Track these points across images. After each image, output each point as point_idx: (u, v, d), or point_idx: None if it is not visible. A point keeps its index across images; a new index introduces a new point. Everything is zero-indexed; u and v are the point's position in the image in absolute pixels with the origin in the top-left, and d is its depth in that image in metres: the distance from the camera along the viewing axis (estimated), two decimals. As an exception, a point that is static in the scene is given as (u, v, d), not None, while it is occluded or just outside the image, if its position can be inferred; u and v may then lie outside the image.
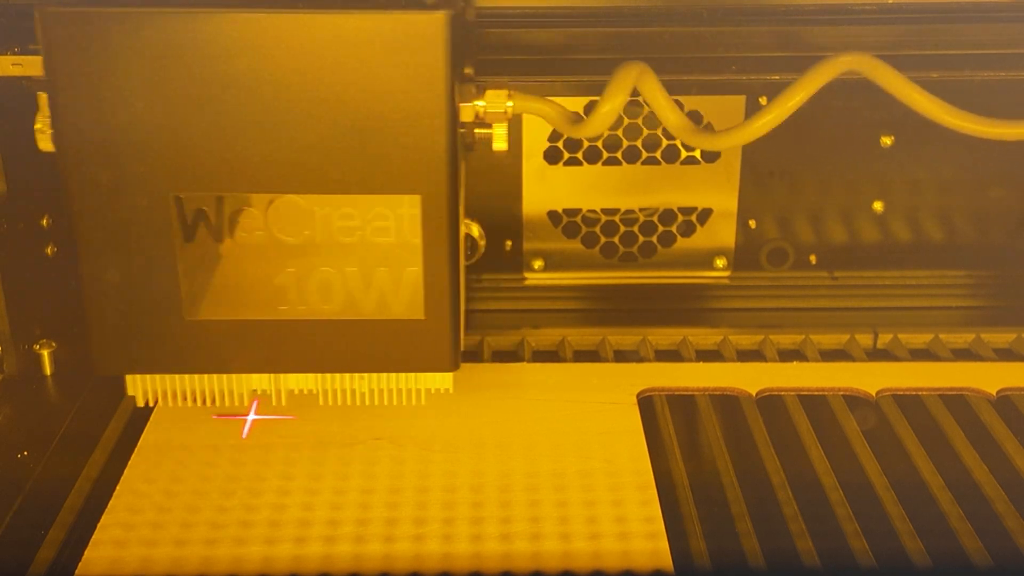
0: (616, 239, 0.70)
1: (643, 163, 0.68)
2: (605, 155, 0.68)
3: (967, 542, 0.48)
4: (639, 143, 0.68)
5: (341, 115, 0.48)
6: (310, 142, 0.48)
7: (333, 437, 0.54)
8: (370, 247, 0.50)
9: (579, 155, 0.68)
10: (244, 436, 0.54)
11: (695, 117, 0.66)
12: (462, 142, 0.51)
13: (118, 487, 0.51)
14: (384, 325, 0.52)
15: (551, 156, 0.68)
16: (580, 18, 0.60)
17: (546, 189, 0.69)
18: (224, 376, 0.54)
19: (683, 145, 0.68)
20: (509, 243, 0.70)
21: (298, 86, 0.47)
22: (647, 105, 0.54)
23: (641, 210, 0.70)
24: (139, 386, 0.54)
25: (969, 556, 0.47)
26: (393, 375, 0.54)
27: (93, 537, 0.48)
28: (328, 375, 0.54)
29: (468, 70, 0.51)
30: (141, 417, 0.56)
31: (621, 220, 0.70)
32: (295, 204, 0.49)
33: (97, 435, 0.55)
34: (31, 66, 0.48)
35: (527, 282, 0.71)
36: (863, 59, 0.53)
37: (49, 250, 0.62)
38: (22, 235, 0.60)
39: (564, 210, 0.70)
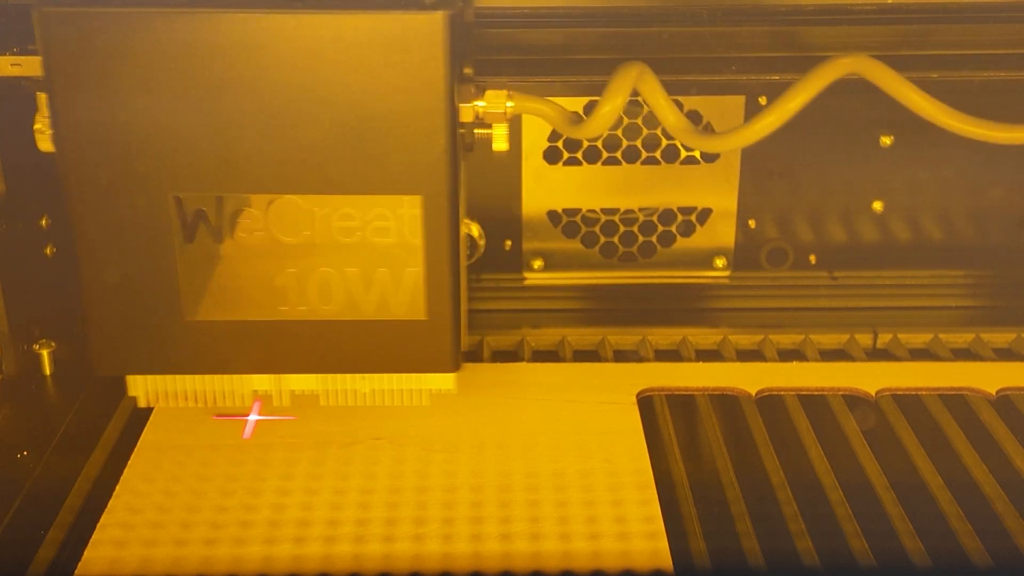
0: (616, 239, 0.70)
1: (643, 163, 0.68)
2: (605, 155, 0.68)
3: (967, 542, 0.48)
4: (639, 143, 0.68)
5: (341, 115, 0.48)
6: (310, 142, 0.48)
7: (333, 437, 0.54)
8: (370, 247, 0.50)
9: (579, 155, 0.68)
10: (246, 436, 0.54)
11: (695, 117, 0.66)
12: (462, 142, 0.51)
13: (117, 487, 0.51)
14: (385, 325, 0.52)
15: (551, 156, 0.68)
16: (579, 18, 0.60)
17: (546, 189, 0.69)
18: (225, 377, 0.54)
19: (683, 145, 0.68)
20: (509, 243, 0.70)
21: (298, 86, 0.47)
22: (647, 106, 0.54)
23: (641, 210, 0.70)
24: (140, 386, 0.54)
25: (969, 556, 0.47)
26: (395, 375, 0.54)
27: (93, 537, 0.48)
28: (330, 375, 0.54)
29: (468, 70, 0.51)
30: (141, 417, 0.56)
31: (621, 220, 0.70)
32: (295, 204, 0.49)
33: (97, 435, 0.55)
34: (30, 66, 0.48)
35: (527, 282, 0.71)
36: (864, 61, 0.53)
37: (48, 250, 0.62)
38: (21, 235, 0.60)
39: (564, 210, 0.70)
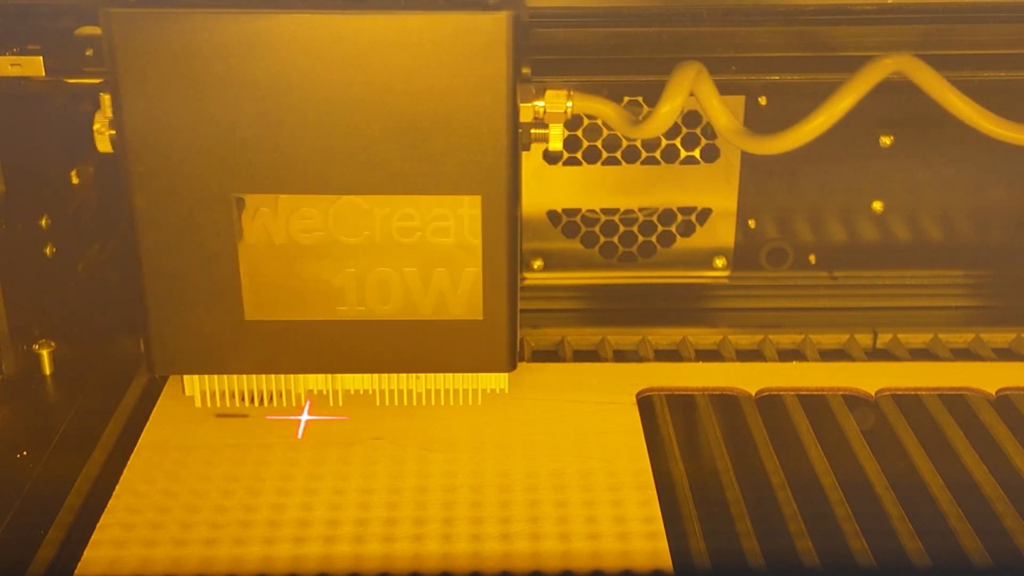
0: (615, 239, 0.70)
1: (642, 163, 0.68)
2: (604, 155, 0.68)
3: (966, 542, 0.48)
4: (638, 143, 0.68)
5: (402, 115, 0.48)
6: (371, 143, 0.48)
7: (333, 437, 0.54)
8: (430, 247, 0.50)
9: (578, 155, 0.68)
10: (299, 436, 0.54)
11: (694, 117, 0.66)
12: (520, 142, 0.51)
13: (117, 487, 0.51)
14: (442, 325, 0.52)
15: (550, 156, 0.68)
16: (579, 18, 0.60)
17: (545, 189, 0.69)
18: (281, 376, 0.54)
19: (682, 145, 0.68)
20: (509, 243, 0.70)
21: (360, 86, 0.47)
22: (700, 108, 0.54)
23: (641, 210, 0.70)
24: (196, 386, 0.54)
25: (968, 556, 0.47)
26: (449, 375, 0.54)
27: (92, 537, 0.48)
28: (384, 375, 0.54)
29: (526, 70, 0.51)
30: (141, 417, 0.56)
31: (620, 220, 0.70)
32: (356, 205, 0.49)
33: (97, 435, 0.55)
34: (30, 66, 0.48)
35: (526, 282, 0.71)
36: (908, 60, 0.53)
37: (48, 250, 0.62)
38: (21, 235, 0.60)
39: (563, 210, 0.70)
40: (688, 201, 0.69)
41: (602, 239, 0.70)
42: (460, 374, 0.55)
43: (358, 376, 0.54)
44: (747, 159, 0.68)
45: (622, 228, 0.70)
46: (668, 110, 0.53)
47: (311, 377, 0.54)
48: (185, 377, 0.54)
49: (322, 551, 0.47)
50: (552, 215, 0.69)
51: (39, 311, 0.62)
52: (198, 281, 0.50)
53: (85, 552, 0.47)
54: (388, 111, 0.48)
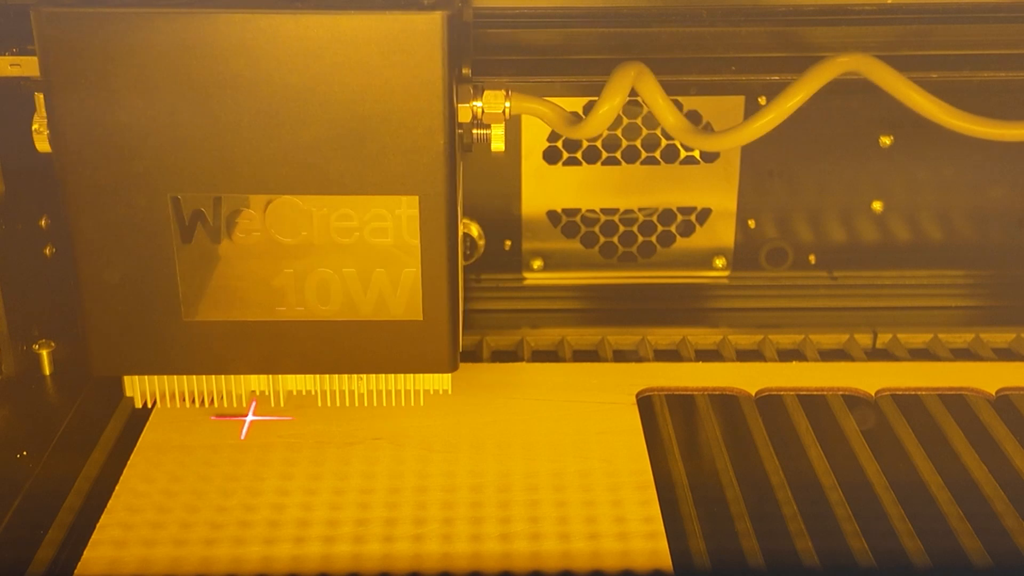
0: (615, 239, 0.70)
1: (642, 163, 0.68)
2: (604, 155, 0.68)
3: (966, 542, 0.48)
4: (638, 143, 0.68)
5: (339, 115, 0.48)
6: (308, 142, 0.48)
7: (332, 437, 0.54)
8: (368, 248, 0.50)
9: (578, 155, 0.68)
10: (242, 437, 0.54)
11: (694, 117, 0.66)
12: (460, 143, 0.51)
13: (117, 487, 0.51)
14: (382, 326, 0.52)
15: (550, 156, 0.68)
16: (579, 18, 0.60)
17: (545, 189, 0.69)
18: (223, 377, 0.54)
19: (682, 145, 0.68)
20: (508, 243, 0.70)
21: (296, 87, 0.47)
22: (645, 105, 0.54)
23: (640, 210, 0.70)
24: (137, 387, 0.54)
25: (968, 556, 0.47)
26: (392, 376, 0.54)
27: (92, 537, 0.48)
28: (326, 376, 0.54)
29: (466, 70, 0.51)
30: (140, 417, 0.56)
31: (620, 220, 0.70)
32: (293, 205, 0.49)
33: (96, 435, 0.55)
34: (29, 66, 0.48)
35: (526, 282, 0.71)
36: (862, 59, 0.53)
37: (48, 250, 0.62)
38: (21, 235, 0.60)
39: (563, 210, 0.70)
40: (688, 201, 0.69)
41: (602, 239, 0.70)
42: (403, 375, 0.54)
43: (300, 377, 0.54)
44: (747, 159, 0.68)
45: (622, 228, 0.70)
46: (606, 110, 0.53)
47: (253, 378, 0.54)
48: (125, 378, 0.53)
49: (322, 551, 0.47)
50: (552, 215, 0.69)
51: (39, 311, 0.62)
52: (135, 281, 0.50)
53: (85, 552, 0.47)
54: (325, 111, 0.48)
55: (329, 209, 0.49)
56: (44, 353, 0.61)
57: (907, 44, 0.60)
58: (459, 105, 0.50)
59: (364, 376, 0.54)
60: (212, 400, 0.54)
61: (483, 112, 0.51)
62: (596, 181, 0.69)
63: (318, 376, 0.54)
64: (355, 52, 0.47)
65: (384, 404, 0.54)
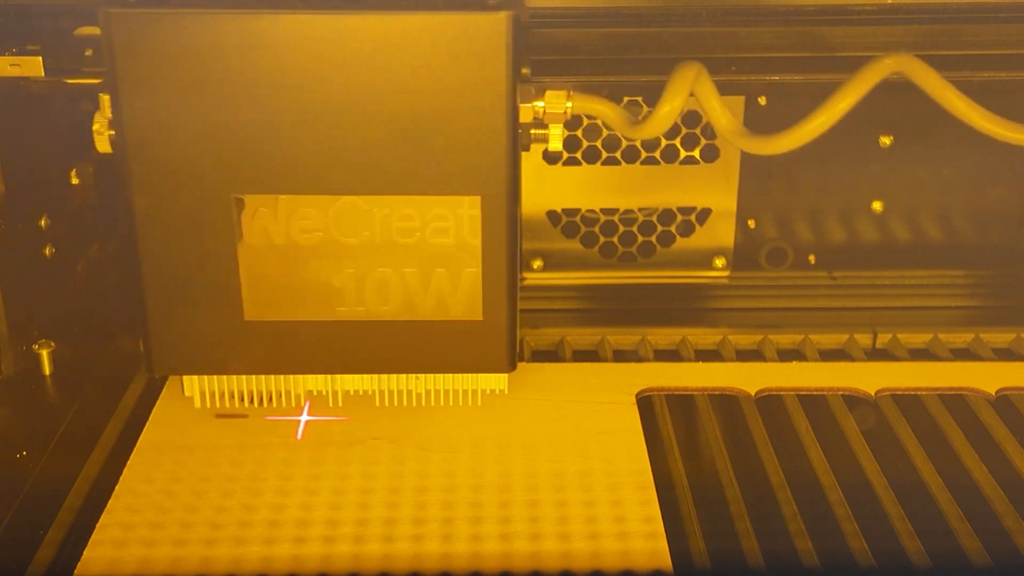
0: (615, 239, 0.70)
1: (642, 163, 0.68)
2: (604, 155, 0.68)
3: (966, 542, 0.48)
4: (638, 143, 0.68)
5: (402, 116, 0.48)
6: (371, 143, 0.48)
7: (332, 437, 0.54)
8: (429, 248, 0.50)
9: (578, 155, 0.68)
10: (299, 438, 0.54)
11: (694, 117, 0.66)
12: (520, 142, 0.51)
13: (117, 487, 0.51)
14: (442, 326, 0.52)
15: (550, 156, 0.68)
16: (578, 19, 0.60)
17: (545, 189, 0.69)
18: (281, 377, 0.54)
19: (682, 145, 0.68)
20: (508, 243, 0.70)
21: (360, 87, 0.47)
22: (700, 108, 0.54)
23: (640, 210, 0.70)
24: (196, 387, 0.54)
25: (968, 556, 0.47)
26: (449, 376, 0.54)
27: (92, 537, 0.48)
28: (384, 376, 0.54)
29: (525, 70, 0.51)
30: (140, 417, 0.56)
31: (620, 220, 0.70)
32: (355, 205, 0.49)
33: (96, 435, 0.55)
34: (29, 67, 0.48)
35: (526, 282, 0.71)
36: (908, 60, 0.53)
37: (47, 250, 0.62)
38: (20, 235, 0.60)
39: (563, 210, 0.70)
40: (688, 201, 0.69)
41: (602, 239, 0.70)
42: (460, 375, 0.55)
43: (358, 377, 0.54)
44: (747, 159, 0.68)
45: (622, 228, 0.70)
46: (668, 110, 0.53)
47: (310, 378, 0.54)
48: (184, 378, 0.54)
49: (322, 551, 0.47)
50: (552, 215, 0.69)
51: (39, 311, 0.62)
52: (197, 281, 0.50)
53: (85, 552, 0.47)
54: (388, 111, 0.48)
55: (391, 209, 0.50)
56: (44, 353, 0.61)
57: (907, 44, 0.59)
58: (521, 105, 0.50)
59: (421, 376, 0.54)
60: (270, 400, 0.54)
61: (544, 112, 0.51)
62: (596, 181, 0.69)
63: (375, 376, 0.54)
64: (419, 52, 0.47)
65: (440, 404, 0.55)
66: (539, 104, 0.51)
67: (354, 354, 0.53)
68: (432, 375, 0.54)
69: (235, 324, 0.51)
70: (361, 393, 0.55)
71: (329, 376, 0.54)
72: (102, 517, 0.49)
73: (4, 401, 0.59)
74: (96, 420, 0.57)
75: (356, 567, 0.46)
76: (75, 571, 0.46)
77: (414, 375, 0.54)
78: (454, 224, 0.50)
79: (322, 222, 0.50)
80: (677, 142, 0.68)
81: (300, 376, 0.54)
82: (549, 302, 0.70)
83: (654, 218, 0.70)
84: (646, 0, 0.60)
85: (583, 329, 0.66)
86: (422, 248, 0.50)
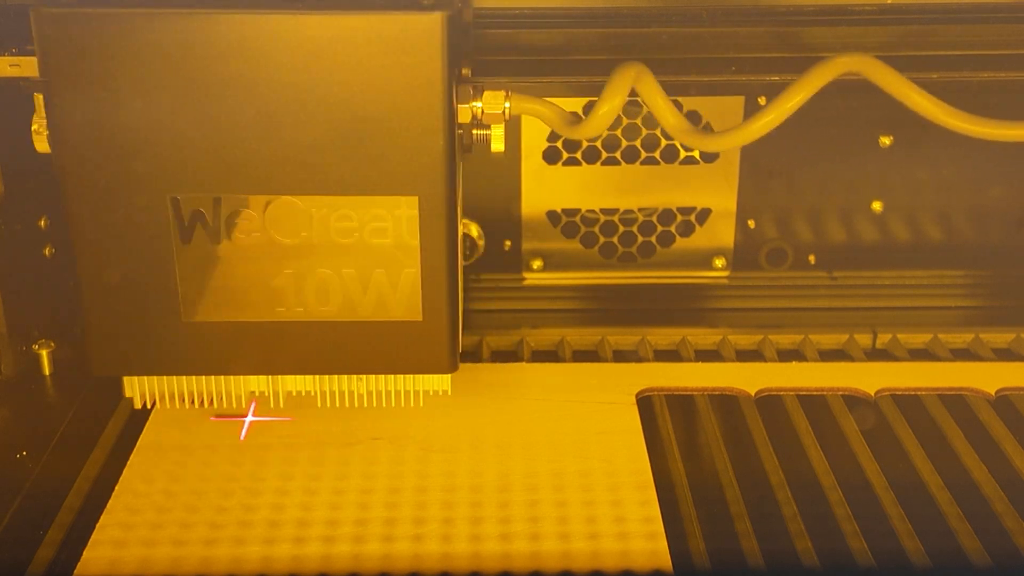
0: (615, 239, 0.70)
1: (642, 163, 0.68)
2: (604, 155, 0.68)
3: (966, 542, 0.48)
4: (638, 143, 0.68)
5: (339, 116, 0.48)
6: (308, 143, 0.48)
7: (332, 437, 0.54)
8: (368, 248, 0.50)
9: (578, 155, 0.68)
10: (242, 438, 0.54)
11: (694, 118, 0.66)
12: (460, 143, 0.51)
13: (117, 487, 0.51)
14: (382, 326, 0.52)
15: (550, 156, 0.68)
16: (578, 19, 0.60)
17: (545, 189, 0.69)
18: (222, 378, 0.54)
19: (682, 145, 0.68)
20: (508, 243, 0.70)
21: (295, 87, 0.47)
22: (645, 106, 0.54)
23: (640, 210, 0.70)
24: (136, 387, 0.54)
25: (968, 556, 0.47)
26: (391, 377, 0.54)
27: (92, 537, 0.48)
28: (326, 377, 0.54)
29: (466, 71, 0.51)
30: (140, 417, 0.56)
31: (620, 220, 0.70)
32: (293, 205, 0.49)
33: (96, 435, 0.55)
34: (29, 67, 0.48)
35: (526, 282, 0.71)
36: (862, 59, 0.53)
37: (47, 251, 0.62)
38: (20, 236, 0.60)
39: (563, 210, 0.70)
40: (687, 201, 0.69)
41: (602, 239, 0.70)
42: (402, 376, 0.54)
43: (300, 377, 0.54)
44: (747, 159, 0.68)
45: (621, 228, 0.70)
46: (606, 111, 0.53)
47: (253, 378, 0.54)
48: (125, 378, 0.53)
49: (322, 551, 0.47)
50: (552, 215, 0.69)
51: (39, 311, 0.62)
52: (135, 282, 0.50)
53: (85, 552, 0.47)
54: (325, 111, 0.48)
55: (329, 209, 0.49)
56: (44, 353, 0.61)
57: (907, 44, 0.60)
58: (459, 105, 0.50)
59: (364, 377, 0.54)
60: (212, 401, 0.54)
61: (483, 113, 0.51)
62: (596, 181, 0.69)
63: (318, 377, 0.54)
64: (355, 52, 0.47)
65: (384, 405, 0.54)
66: (477, 105, 0.51)
67: (295, 355, 0.52)
68: (374, 376, 0.54)
69: (173, 325, 0.51)
70: (303, 394, 0.55)
71: (270, 377, 0.54)
72: (102, 517, 0.49)
73: (4, 401, 0.59)
74: (96, 420, 0.57)
75: (356, 567, 0.46)
76: (75, 571, 0.46)
77: (356, 376, 0.54)
78: (392, 224, 0.50)
79: (259, 222, 0.50)
80: (677, 142, 0.67)
81: (242, 377, 0.54)
82: (549, 302, 0.70)
83: (654, 218, 0.70)
84: (646, 1, 0.60)
85: (583, 329, 0.66)
86: (361, 249, 0.50)
